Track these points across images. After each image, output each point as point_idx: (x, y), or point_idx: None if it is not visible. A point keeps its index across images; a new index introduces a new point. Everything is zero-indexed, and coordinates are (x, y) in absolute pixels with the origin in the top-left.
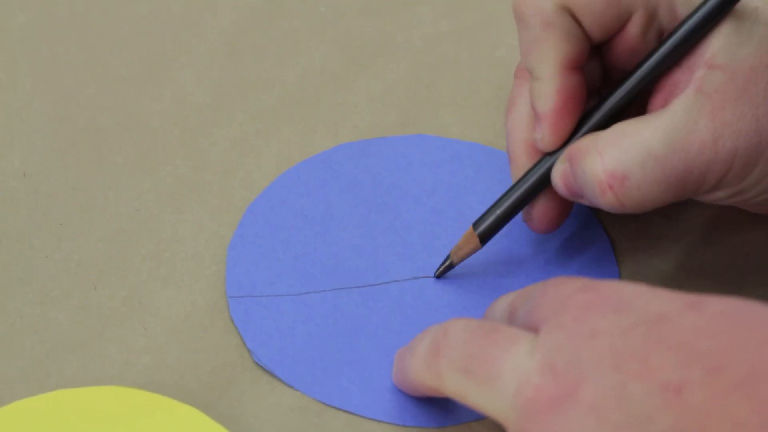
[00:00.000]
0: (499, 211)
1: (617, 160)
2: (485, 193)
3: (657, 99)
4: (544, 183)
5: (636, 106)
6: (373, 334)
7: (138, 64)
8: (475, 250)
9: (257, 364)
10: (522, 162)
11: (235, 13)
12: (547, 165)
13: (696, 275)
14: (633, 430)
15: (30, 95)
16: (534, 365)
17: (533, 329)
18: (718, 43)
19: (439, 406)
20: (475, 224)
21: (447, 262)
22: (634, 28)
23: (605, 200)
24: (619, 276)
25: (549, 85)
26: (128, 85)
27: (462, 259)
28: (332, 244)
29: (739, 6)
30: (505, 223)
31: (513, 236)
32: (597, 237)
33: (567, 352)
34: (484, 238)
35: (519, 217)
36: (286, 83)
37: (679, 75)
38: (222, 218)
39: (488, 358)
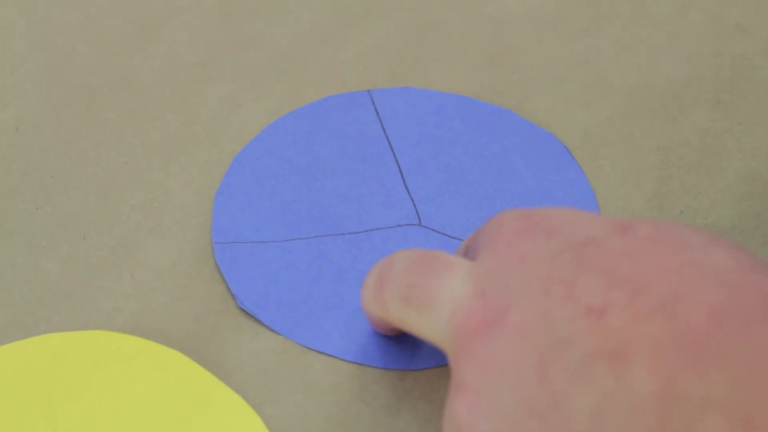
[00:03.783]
0: None
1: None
2: (470, 144)
3: None
4: None
5: None
6: (357, 279)
7: (130, 23)
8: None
9: (241, 309)
10: None
11: None
12: None
13: None
14: (557, 353)
15: (24, 53)
16: (466, 290)
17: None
18: None
19: (420, 348)
20: None
21: None
22: None
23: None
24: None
25: None
26: (120, 43)
27: None
28: (318, 193)
29: None
30: None
31: (496, 185)
32: (578, 183)
33: (497, 277)
34: None
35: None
36: (276, 41)
37: None
38: (210, 171)
39: (426, 285)
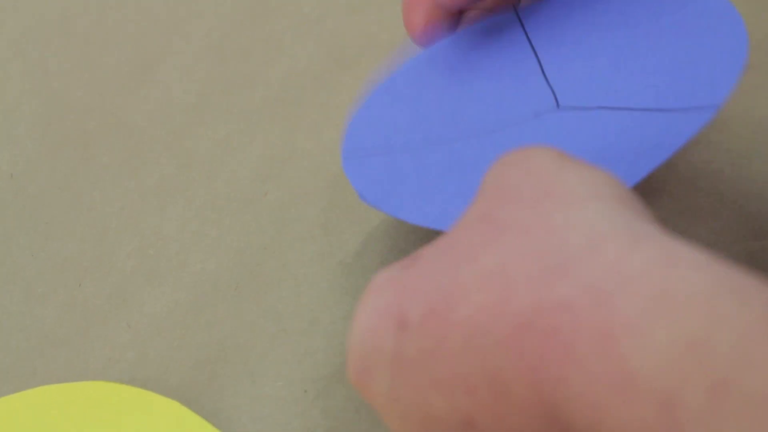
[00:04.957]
0: None
1: None
2: (613, 20)
3: None
4: None
5: None
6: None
7: (124, 65)
8: None
9: (238, 355)
10: None
11: (220, 14)
12: None
13: None
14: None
15: (18, 97)
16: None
17: None
18: None
19: None
20: None
21: None
22: None
23: None
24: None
25: None
26: (115, 86)
27: None
28: (452, 96)
29: None
30: None
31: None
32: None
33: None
34: None
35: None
36: (270, 83)
37: None
38: (206, 215)
39: None
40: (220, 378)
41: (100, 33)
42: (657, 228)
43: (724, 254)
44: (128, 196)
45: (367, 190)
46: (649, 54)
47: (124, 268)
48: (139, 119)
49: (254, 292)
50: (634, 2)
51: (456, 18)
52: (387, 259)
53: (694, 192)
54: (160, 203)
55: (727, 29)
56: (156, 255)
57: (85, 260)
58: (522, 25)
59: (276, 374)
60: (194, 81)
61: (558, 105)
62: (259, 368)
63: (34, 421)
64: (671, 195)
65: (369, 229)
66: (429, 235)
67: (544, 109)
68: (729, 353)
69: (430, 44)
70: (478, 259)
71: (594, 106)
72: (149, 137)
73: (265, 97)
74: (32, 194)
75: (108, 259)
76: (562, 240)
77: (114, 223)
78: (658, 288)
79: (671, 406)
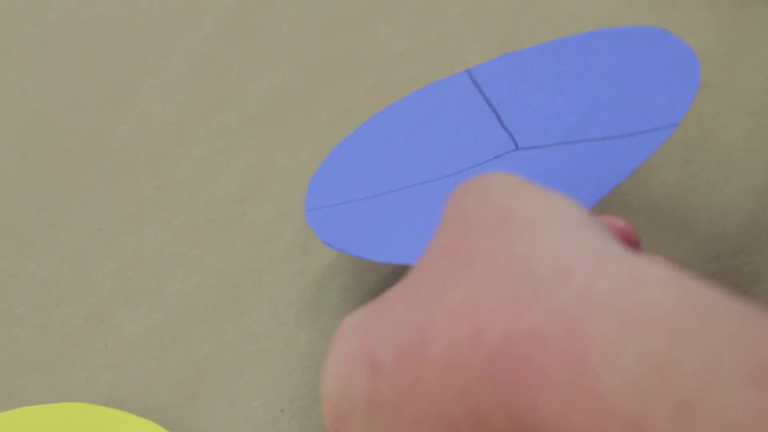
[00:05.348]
0: None
1: None
2: (562, 64)
3: None
4: None
5: None
6: None
7: (104, 86)
8: None
9: (215, 376)
10: None
11: (200, 34)
12: None
13: None
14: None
15: None
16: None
17: None
18: None
19: None
20: None
21: None
22: None
23: None
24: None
25: None
26: (94, 106)
27: None
28: (410, 147)
29: None
30: None
31: (595, 81)
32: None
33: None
34: None
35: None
36: (249, 103)
37: None
38: (184, 237)
39: None
40: (197, 398)
41: (79, 53)
42: (620, 247)
43: (700, 272)
44: (107, 217)
45: (331, 238)
46: (603, 88)
47: (103, 289)
48: (118, 139)
49: (232, 313)
50: (580, 47)
51: None
52: (363, 279)
53: (669, 211)
54: (138, 224)
55: (676, 55)
56: (134, 276)
57: (64, 281)
58: (474, 82)
59: (253, 394)
60: (173, 101)
61: (517, 146)
62: (236, 388)
63: None
64: (647, 215)
65: None
66: None
67: (503, 151)
68: (694, 373)
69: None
70: (447, 295)
71: (553, 143)
72: (128, 157)
73: (244, 116)
74: (11, 214)
75: (86, 280)
76: (528, 268)
77: (92, 244)
78: (625, 310)
79: (639, 427)
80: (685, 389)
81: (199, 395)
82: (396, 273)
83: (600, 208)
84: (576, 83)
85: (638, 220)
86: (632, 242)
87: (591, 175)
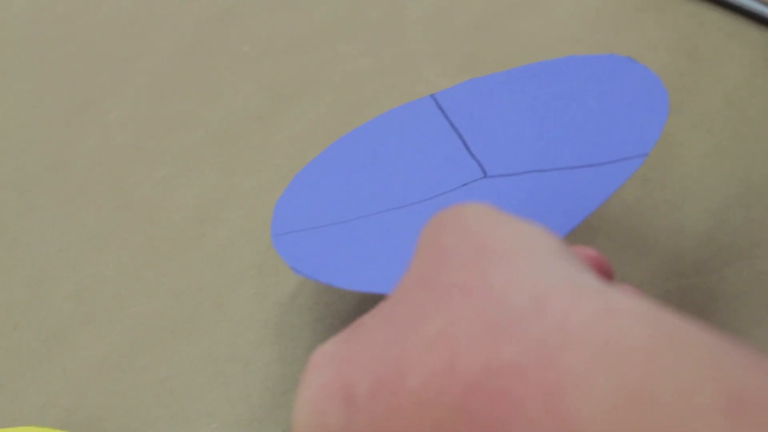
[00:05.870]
0: None
1: None
2: (529, 92)
3: None
4: None
5: None
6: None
7: (63, 105)
8: None
9: (173, 398)
10: None
11: (160, 54)
12: None
13: None
14: None
15: None
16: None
17: None
18: None
19: None
20: None
21: None
22: None
23: None
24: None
25: None
26: (52, 126)
27: None
28: (377, 175)
29: None
30: None
31: (561, 110)
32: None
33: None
34: None
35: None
36: (209, 123)
37: None
38: (143, 258)
39: None
40: (155, 422)
41: (38, 72)
42: (594, 278)
43: (659, 291)
44: (65, 238)
45: (300, 264)
46: (571, 116)
47: (61, 312)
48: (77, 160)
49: (190, 335)
50: (547, 75)
51: None
52: (322, 299)
53: (628, 230)
54: (97, 245)
55: (644, 85)
56: (92, 298)
57: (21, 303)
58: (440, 107)
59: (211, 416)
60: (133, 122)
61: (485, 174)
62: (194, 411)
63: None
64: (606, 234)
65: None
66: None
67: (472, 178)
68: (669, 405)
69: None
70: (423, 327)
71: (522, 171)
72: (87, 178)
73: (204, 137)
74: None
75: (44, 301)
76: (504, 300)
77: (51, 266)
78: (601, 342)
79: None
80: (660, 422)
81: (157, 418)
82: (355, 294)
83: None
84: (544, 111)
85: (597, 239)
86: (604, 271)
87: (561, 205)
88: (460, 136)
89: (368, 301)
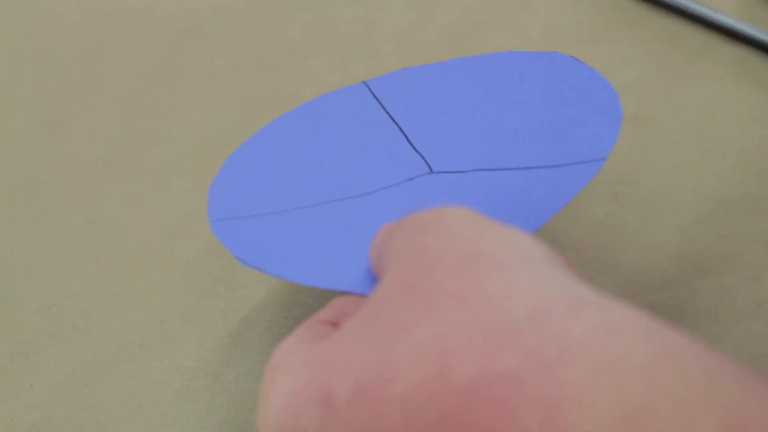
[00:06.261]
0: None
1: None
2: (469, 89)
3: None
4: None
5: None
6: (366, 230)
7: (32, 120)
8: None
9: (144, 415)
10: None
11: (131, 68)
12: None
13: None
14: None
15: None
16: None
17: None
18: None
19: None
20: None
21: None
22: None
23: None
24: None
25: None
26: (22, 141)
27: None
28: (319, 166)
29: None
30: None
31: (506, 110)
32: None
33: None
34: None
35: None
36: (180, 138)
37: None
38: (112, 274)
39: None
40: None
41: (7, 87)
42: (589, 289)
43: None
44: (34, 253)
45: (245, 254)
46: (518, 114)
47: (29, 327)
48: (47, 175)
49: (158, 350)
50: (489, 70)
51: None
52: (291, 314)
53: (597, 244)
54: (66, 260)
55: (592, 86)
56: (61, 313)
57: None
58: (374, 95)
59: (179, 431)
60: (104, 136)
61: (431, 170)
62: (163, 426)
63: None
64: (575, 248)
65: (272, 283)
66: (334, 291)
67: (417, 173)
68: (668, 422)
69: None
70: (411, 332)
71: (470, 168)
72: (57, 193)
73: (175, 152)
74: None
75: (12, 317)
76: (500, 309)
77: (19, 281)
78: (600, 357)
79: None
80: None
81: None
82: (325, 304)
83: None
84: (487, 106)
85: (566, 253)
86: None
87: (517, 208)
88: (399, 127)
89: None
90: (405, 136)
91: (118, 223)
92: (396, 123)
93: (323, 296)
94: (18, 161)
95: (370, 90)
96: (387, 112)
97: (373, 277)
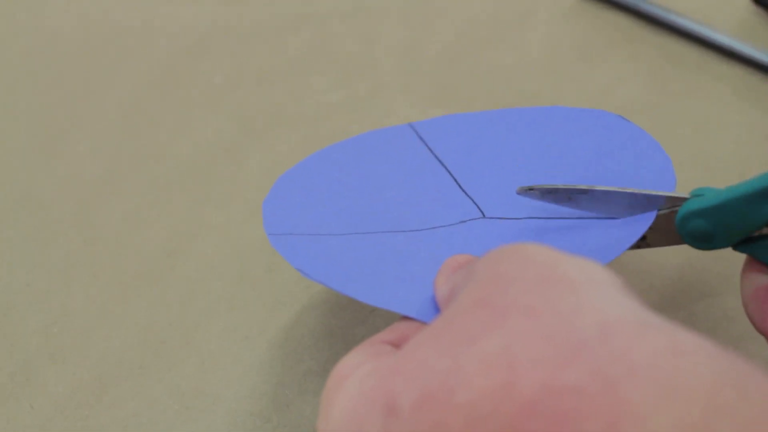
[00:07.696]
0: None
1: None
2: (521, 141)
3: None
4: None
5: None
6: (420, 270)
7: (32, 137)
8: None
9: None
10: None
11: (130, 85)
12: None
13: None
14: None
15: None
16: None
17: None
18: None
19: None
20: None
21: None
22: None
23: None
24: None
25: None
26: (22, 158)
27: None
28: (373, 201)
29: None
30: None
31: (556, 163)
32: (657, 157)
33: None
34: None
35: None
36: (179, 155)
37: None
38: (111, 292)
39: None
40: None
41: (5, 104)
42: (654, 315)
43: None
44: (34, 272)
45: (308, 267)
46: (569, 168)
47: (28, 346)
48: (46, 192)
49: (158, 370)
50: (536, 123)
51: None
52: (291, 335)
53: None
54: (66, 279)
55: (641, 146)
56: (60, 332)
57: None
58: (420, 137)
59: None
60: (102, 154)
61: (484, 215)
62: None
63: None
64: None
65: (273, 303)
66: (333, 310)
67: (470, 217)
68: None
69: None
70: (479, 343)
71: (523, 216)
72: (56, 211)
73: (174, 169)
74: None
75: (11, 336)
76: (571, 325)
77: (19, 300)
78: (665, 378)
79: None
80: None
81: None
82: (325, 325)
83: None
84: (536, 158)
85: None
86: None
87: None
88: (448, 170)
89: (337, 337)
90: (454, 178)
91: (117, 241)
92: (443, 164)
93: (324, 318)
94: (16, 178)
95: (416, 132)
96: (433, 153)
97: (435, 307)
